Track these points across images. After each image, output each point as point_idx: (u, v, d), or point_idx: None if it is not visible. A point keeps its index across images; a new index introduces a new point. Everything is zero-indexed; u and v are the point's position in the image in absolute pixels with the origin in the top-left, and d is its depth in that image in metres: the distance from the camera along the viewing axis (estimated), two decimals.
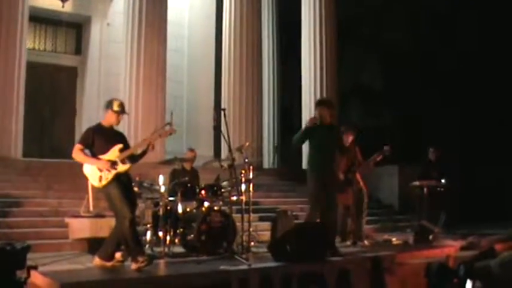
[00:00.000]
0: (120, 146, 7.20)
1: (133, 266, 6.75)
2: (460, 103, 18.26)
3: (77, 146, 7.18)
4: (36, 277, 6.07)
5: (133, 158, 7.36)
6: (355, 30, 19.89)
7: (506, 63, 17.90)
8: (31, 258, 6.30)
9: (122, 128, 8.55)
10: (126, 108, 7.62)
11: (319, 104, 9.13)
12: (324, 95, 16.85)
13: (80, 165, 7.23)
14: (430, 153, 12.87)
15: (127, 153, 7.22)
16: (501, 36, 18.16)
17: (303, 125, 9.11)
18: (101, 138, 7.21)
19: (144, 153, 7.43)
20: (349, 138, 10.09)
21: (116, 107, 7.30)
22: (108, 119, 7.35)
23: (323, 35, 17.16)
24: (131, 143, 8.37)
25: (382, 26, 19.77)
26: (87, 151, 7.22)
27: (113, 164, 7.05)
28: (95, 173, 7.06)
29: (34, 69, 14.55)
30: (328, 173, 8.68)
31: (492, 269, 5.88)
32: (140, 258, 6.75)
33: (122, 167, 7.12)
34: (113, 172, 7.03)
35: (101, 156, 7.11)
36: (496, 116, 17.94)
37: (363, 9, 19.73)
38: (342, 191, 9.75)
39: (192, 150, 10.68)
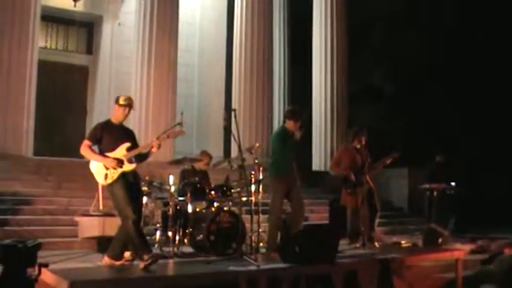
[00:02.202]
0: (127, 144, 7.19)
1: (141, 265, 6.77)
2: (470, 106, 18.23)
3: (85, 142, 7.19)
4: (46, 275, 6.11)
5: (139, 157, 7.37)
6: (366, 33, 19.86)
7: None
8: (40, 256, 6.33)
9: (131, 126, 8.52)
10: (137, 107, 7.63)
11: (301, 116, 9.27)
12: (335, 96, 16.89)
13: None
14: (437, 155, 12.86)
15: (134, 152, 7.21)
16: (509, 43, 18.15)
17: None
18: (109, 135, 7.20)
19: (149, 153, 7.44)
20: (362, 140, 10.12)
21: (121, 101, 7.29)
22: (115, 114, 7.34)
23: (334, 37, 17.17)
24: (141, 142, 8.37)
25: (393, 30, 19.72)
26: (94, 147, 7.22)
27: (119, 162, 7.05)
28: (101, 170, 7.08)
29: (46, 68, 14.60)
30: (293, 179, 8.99)
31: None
32: (146, 256, 6.73)
33: (128, 167, 7.12)
34: (119, 171, 7.04)
35: (108, 154, 7.12)
36: (505, 119, 17.89)
37: (375, 13, 19.70)
38: (353, 192, 9.80)
39: (208, 154, 10.48)
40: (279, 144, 8.89)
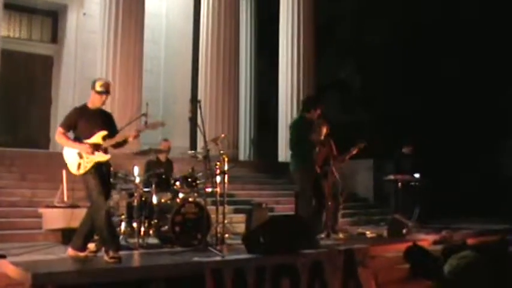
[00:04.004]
0: (104, 132, 7.03)
1: (105, 257, 6.73)
2: (436, 98, 18.39)
3: (59, 130, 7.02)
4: (7, 267, 6.04)
5: (116, 144, 7.22)
6: (334, 27, 19.92)
7: (483, 62, 18.07)
8: (4, 248, 6.27)
9: None
10: None
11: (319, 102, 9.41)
12: (301, 89, 16.91)
13: (55, 155, 7.18)
14: (403, 147, 12.96)
15: (110, 142, 7.07)
16: (480, 36, 18.31)
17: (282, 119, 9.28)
18: (85, 122, 7.02)
19: (125, 142, 7.33)
20: (323, 131, 10.15)
21: (98, 87, 7.10)
22: (92, 100, 7.15)
23: (301, 29, 17.20)
24: None
25: (362, 23, 19.81)
26: (69, 134, 7.06)
27: (95, 147, 6.90)
28: (74, 160, 6.92)
29: (9, 57, 14.39)
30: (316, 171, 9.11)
31: (445, 275, 6.01)
32: (111, 253, 6.67)
33: (102, 157, 6.99)
34: (92, 161, 6.91)
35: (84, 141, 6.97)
36: (470, 111, 18.09)
37: (343, 7, 19.76)
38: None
39: (166, 140, 10.71)
40: (302, 133, 8.96)
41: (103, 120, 7.21)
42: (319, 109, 9.17)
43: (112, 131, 7.22)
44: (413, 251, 7.26)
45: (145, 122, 7.64)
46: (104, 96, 7.17)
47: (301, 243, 7.80)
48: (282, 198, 12.88)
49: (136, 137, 7.26)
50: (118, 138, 7.22)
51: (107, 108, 12.75)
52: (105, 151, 7.07)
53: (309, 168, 8.91)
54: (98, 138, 7.00)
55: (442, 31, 18.69)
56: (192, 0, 17.84)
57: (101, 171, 6.99)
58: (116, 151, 7.54)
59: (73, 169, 6.99)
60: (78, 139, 7.03)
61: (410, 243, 8.62)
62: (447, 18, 18.75)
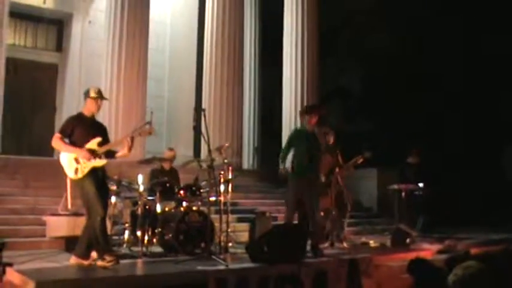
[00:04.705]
0: (99, 139, 7.20)
1: (99, 263, 6.77)
2: (440, 107, 18.38)
3: (56, 135, 7.19)
4: (12, 275, 6.04)
5: (109, 154, 7.35)
6: (337, 35, 19.93)
7: (487, 68, 18.05)
8: (8, 256, 6.26)
9: None
10: (106, 106, 7.59)
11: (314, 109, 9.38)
12: (305, 97, 16.89)
13: (59, 163, 7.19)
14: (409, 156, 12.95)
15: (105, 148, 7.22)
16: (483, 40, 18.29)
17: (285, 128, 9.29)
18: (81, 129, 7.21)
19: (115, 152, 7.44)
20: (330, 140, 10.14)
21: (93, 94, 7.33)
22: (88, 107, 7.38)
23: (305, 38, 17.19)
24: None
25: (364, 31, 19.81)
26: (66, 140, 7.20)
27: (92, 153, 7.04)
28: (72, 164, 7.05)
29: (14, 66, 14.43)
30: (311, 176, 8.88)
31: (449, 285, 5.98)
32: (108, 257, 6.77)
33: (98, 162, 7.13)
34: (89, 166, 7.02)
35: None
36: (476, 120, 18.07)
37: (346, 14, 19.78)
38: (324, 193, 9.80)
39: (171, 149, 10.72)
40: (289, 142, 9.03)
41: (98, 127, 7.46)
42: (315, 115, 9.05)
43: (105, 139, 7.41)
44: (416, 264, 7.23)
45: (140, 130, 7.72)
46: (99, 101, 7.42)
47: (304, 252, 7.80)
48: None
49: (130, 149, 7.29)
50: (113, 144, 7.49)
51: (111, 116, 12.99)
52: (101, 156, 7.21)
53: (294, 179, 8.85)
54: (93, 144, 7.16)
55: (448, 36, 18.69)
56: (196, 9, 17.85)
57: (96, 176, 7.13)
58: (121, 159, 7.60)
59: (70, 173, 7.11)
60: (74, 145, 7.15)
61: (413, 255, 8.59)
62: (451, 27, 18.76)
